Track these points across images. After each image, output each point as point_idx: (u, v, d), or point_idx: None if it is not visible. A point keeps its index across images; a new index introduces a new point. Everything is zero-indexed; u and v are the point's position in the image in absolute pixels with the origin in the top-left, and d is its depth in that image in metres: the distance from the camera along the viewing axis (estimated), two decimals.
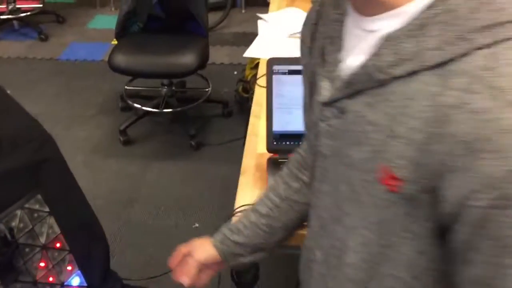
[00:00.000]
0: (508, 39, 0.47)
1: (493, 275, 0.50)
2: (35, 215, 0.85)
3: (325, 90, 0.63)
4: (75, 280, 0.93)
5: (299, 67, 1.28)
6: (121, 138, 2.68)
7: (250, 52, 1.89)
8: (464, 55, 0.48)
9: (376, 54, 0.54)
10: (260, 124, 1.44)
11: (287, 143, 1.30)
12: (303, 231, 0.98)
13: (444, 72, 0.49)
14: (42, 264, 0.86)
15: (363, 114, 0.57)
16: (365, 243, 0.62)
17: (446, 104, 0.48)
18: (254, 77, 2.26)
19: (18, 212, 0.82)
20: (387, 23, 0.54)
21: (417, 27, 0.51)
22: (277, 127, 1.30)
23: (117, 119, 2.84)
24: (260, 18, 2.11)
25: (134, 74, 2.72)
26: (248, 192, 1.20)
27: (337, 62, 0.62)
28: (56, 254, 0.88)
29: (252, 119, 1.49)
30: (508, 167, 0.45)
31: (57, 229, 0.89)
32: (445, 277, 0.59)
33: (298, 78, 1.30)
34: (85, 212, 1.01)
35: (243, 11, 4.27)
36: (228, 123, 2.85)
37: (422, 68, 0.50)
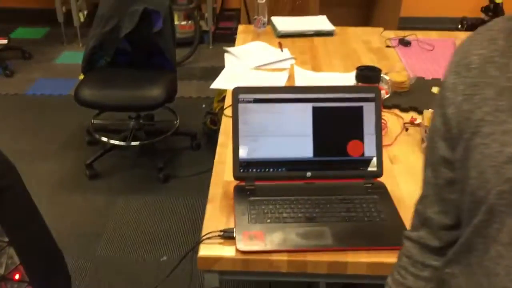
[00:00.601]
0: None
1: None
2: None
3: None
4: None
5: (264, 96, 1.32)
6: (88, 172, 2.64)
7: (217, 83, 1.92)
8: None
9: None
10: (227, 153, 1.45)
11: (253, 170, 1.31)
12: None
13: None
14: None
15: None
16: None
17: None
18: (222, 109, 2.28)
19: None
20: None
21: None
22: (243, 154, 1.31)
23: (84, 153, 2.81)
24: (227, 52, 2.15)
25: (100, 108, 2.70)
26: (215, 219, 1.20)
27: None
28: (15, 286, 0.86)
29: (219, 148, 1.50)
30: None
31: (16, 260, 0.86)
32: None
33: (263, 106, 1.33)
34: (47, 243, 0.99)
35: (211, 47, 4.33)
36: (196, 155, 2.85)
37: None
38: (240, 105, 1.31)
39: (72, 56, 4.15)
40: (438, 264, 0.80)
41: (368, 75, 1.65)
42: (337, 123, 1.33)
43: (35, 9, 4.82)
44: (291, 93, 1.34)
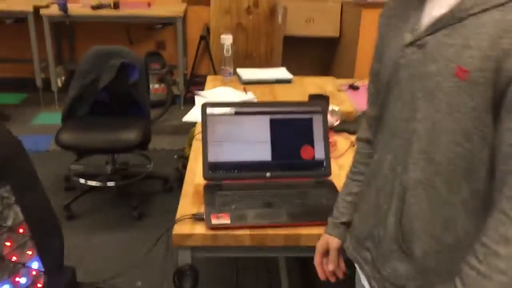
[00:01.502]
0: None
1: None
2: (4, 201, 0.99)
3: (408, 37, 0.95)
4: (34, 264, 1.05)
5: (227, 110, 1.56)
6: (65, 214, 2.77)
7: (188, 117, 2.17)
8: None
9: (460, 3, 0.86)
10: (197, 169, 1.64)
11: (221, 171, 1.53)
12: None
13: (505, 8, 0.81)
14: (7, 244, 0.99)
15: (443, 41, 0.88)
16: (431, 118, 0.90)
17: (506, 23, 0.80)
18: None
19: None
20: None
21: None
22: (211, 158, 1.53)
23: (61, 198, 2.94)
24: (198, 95, 2.42)
25: (79, 150, 2.88)
26: (188, 209, 1.39)
27: (418, 19, 0.95)
28: (19, 237, 1.01)
29: (190, 164, 1.71)
30: None
31: (21, 216, 1.03)
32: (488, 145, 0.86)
33: (229, 118, 1.57)
34: (46, 208, 1.15)
35: (182, 107, 4.62)
36: (168, 196, 3.02)
37: (491, 7, 0.82)
38: (208, 117, 1.55)
39: (49, 117, 4.35)
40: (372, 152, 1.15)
41: (318, 97, 1.93)
42: (291, 132, 1.58)
43: (14, 78, 5.07)
44: (252, 108, 1.59)
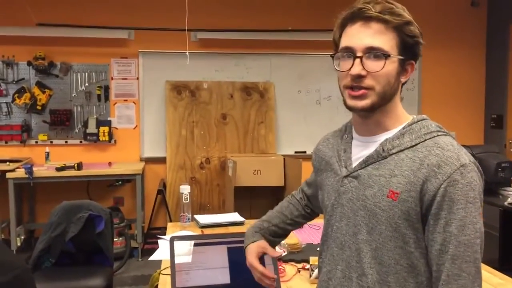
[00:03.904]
0: (435, 136, 1.18)
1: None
2: None
3: (344, 171, 1.27)
4: None
5: (192, 241, 1.86)
6: None
7: (154, 256, 2.42)
8: (421, 142, 1.17)
9: (382, 146, 1.20)
10: None
11: None
12: None
13: (415, 149, 1.17)
14: None
15: (373, 173, 1.20)
16: (375, 229, 1.18)
17: (419, 157, 1.15)
18: None
19: None
20: (385, 136, 1.22)
21: (400, 134, 1.20)
22: (179, 284, 1.79)
23: None
24: (160, 238, 2.70)
25: None
26: None
27: (348, 158, 1.28)
28: None
29: None
30: (447, 175, 1.11)
31: None
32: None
33: (191, 249, 1.86)
34: None
35: (140, 259, 4.79)
36: None
37: (405, 148, 1.18)
38: (176, 249, 1.85)
39: None
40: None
41: None
42: (245, 257, 1.88)
43: None
44: (211, 239, 1.91)
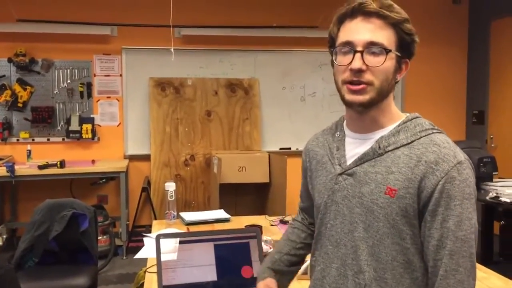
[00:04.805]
0: (430, 134, 1.19)
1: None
2: None
3: (338, 169, 1.27)
4: None
5: (178, 239, 1.85)
6: None
7: (140, 255, 2.41)
8: (416, 139, 1.18)
9: (377, 143, 1.20)
10: None
11: None
12: None
13: (411, 146, 1.17)
14: None
15: (369, 170, 1.20)
16: (373, 227, 1.18)
17: (416, 154, 1.16)
18: None
19: None
20: (380, 133, 1.22)
21: (396, 131, 1.21)
22: (165, 282, 1.78)
23: None
24: (145, 236, 2.68)
25: None
26: None
27: (342, 156, 1.28)
28: None
29: None
30: (445, 172, 1.12)
31: None
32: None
33: (179, 246, 1.85)
34: None
35: (124, 257, 4.75)
36: None
37: (401, 146, 1.18)
38: (162, 247, 1.83)
39: None
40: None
41: (253, 226, 2.26)
42: (232, 254, 1.88)
43: None
44: (198, 236, 1.90)
